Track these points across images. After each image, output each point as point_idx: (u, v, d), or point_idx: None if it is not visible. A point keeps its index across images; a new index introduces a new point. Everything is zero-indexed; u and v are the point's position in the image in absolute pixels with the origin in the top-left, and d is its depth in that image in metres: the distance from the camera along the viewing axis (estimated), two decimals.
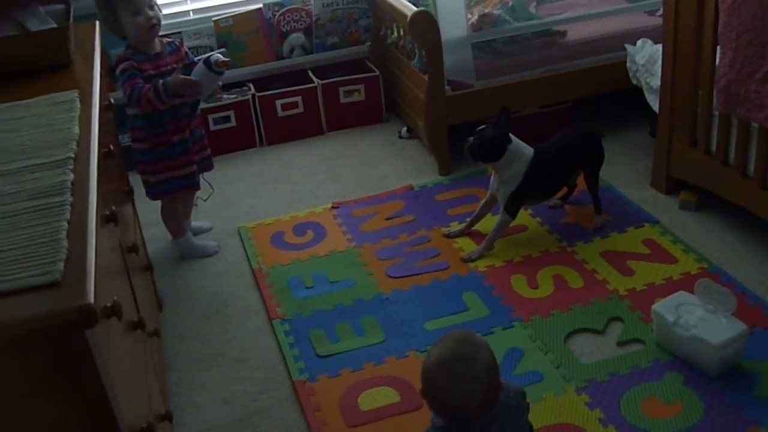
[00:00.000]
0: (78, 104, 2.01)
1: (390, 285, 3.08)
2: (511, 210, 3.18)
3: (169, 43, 3.19)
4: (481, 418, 1.78)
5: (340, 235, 3.42)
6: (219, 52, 3.21)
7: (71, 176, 1.63)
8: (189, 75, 3.08)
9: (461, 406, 1.75)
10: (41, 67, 2.32)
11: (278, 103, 4.22)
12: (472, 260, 3.16)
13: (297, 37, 4.40)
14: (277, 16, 4.34)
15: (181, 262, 3.39)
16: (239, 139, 4.21)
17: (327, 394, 2.60)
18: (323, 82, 4.30)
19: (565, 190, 3.44)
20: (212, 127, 4.09)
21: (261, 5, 4.33)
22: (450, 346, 1.78)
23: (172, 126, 3.15)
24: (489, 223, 3.28)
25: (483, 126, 3.14)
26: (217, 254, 3.41)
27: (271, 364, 2.78)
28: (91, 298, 1.26)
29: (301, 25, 4.40)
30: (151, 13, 3.03)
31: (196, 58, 3.24)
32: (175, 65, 3.12)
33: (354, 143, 4.22)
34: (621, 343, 2.71)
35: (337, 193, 3.75)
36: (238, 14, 4.29)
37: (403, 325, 2.86)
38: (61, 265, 1.32)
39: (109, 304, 1.48)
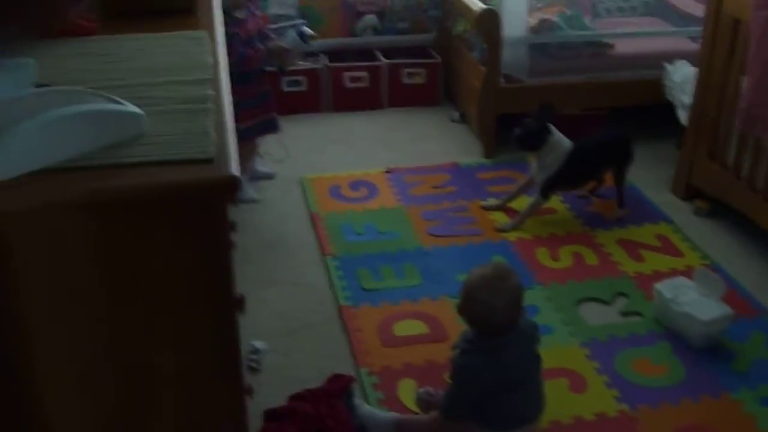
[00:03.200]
0: (208, 41, 2.46)
1: (430, 241, 3.53)
2: (545, 193, 3.61)
3: (248, 9, 3.60)
4: (505, 334, 2.22)
5: (391, 195, 3.87)
6: (305, 26, 3.62)
7: (211, 92, 2.08)
8: (262, 38, 3.55)
9: (493, 317, 2.20)
10: (172, 9, 2.76)
11: (347, 75, 4.67)
12: (506, 231, 3.60)
13: (371, 19, 4.87)
14: None
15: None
16: (308, 102, 4.67)
17: (367, 319, 3.05)
18: (389, 62, 4.75)
19: (594, 183, 3.86)
20: (285, 89, 4.54)
21: None
22: (489, 267, 2.26)
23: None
24: (522, 203, 3.72)
25: (527, 118, 3.56)
26: (273, 199, 3.87)
27: (321, 290, 3.24)
28: (237, 172, 1.71)
29: (376, 8, 4.86)
30: None
31: (281, 25, 3.66)
32: (256, 31, 3.55)
33: (410, 120, 4.67)
34: (624, 314, 3.13)
35: (391, 160, 4.20)
36: None
37: (439, 274, 3.31)
38: (213, 149, 1.77)
39: None
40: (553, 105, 3.60)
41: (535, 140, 3.56)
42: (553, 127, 3.56)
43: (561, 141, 3.57)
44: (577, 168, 3.62)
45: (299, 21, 3.70)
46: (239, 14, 3.52)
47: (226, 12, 3.41)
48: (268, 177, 4.03)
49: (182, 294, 1.83)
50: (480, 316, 2.26)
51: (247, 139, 3.69)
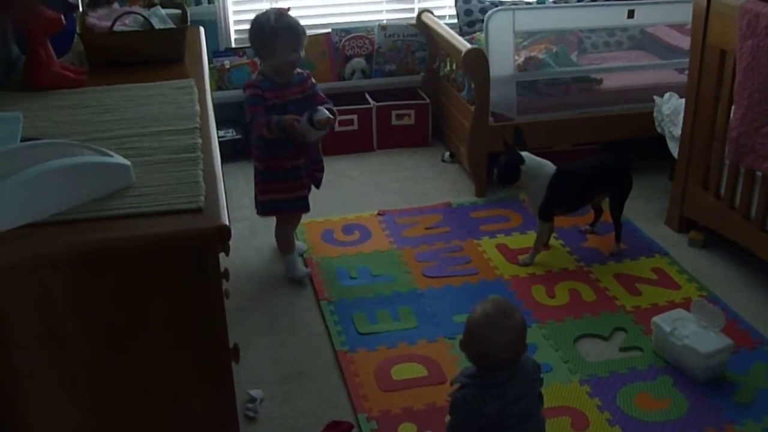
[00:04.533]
0: (196, 90, 2.47)
1: (425, 283, 3.50)
2: (544, 217, 3.60)
3: (298, 74, 3.40)
4: (505, 370, 2.20)
5: (384, 238, 3.86)
6: (327, 108, 3.35)
7: (199, 140, 2.08)
8: (309, 104, 3.36)
9: (495, 354, 2.17)
10: (160, 59, 2.78)
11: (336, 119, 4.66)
12: (527, 264, 3.61)
13: (358, 62, 4.88)
14: (342, 41, 4.82)
15: (247, 244, 3.84)
16: None
17: (364, 364, 3.02)
18: (378, 104, 4.76)
19: (593, 215, 3.86)
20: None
21: (330, 30, 4.81)
22: (492, 304, 2.23)
23: (288, 152, 3.37)
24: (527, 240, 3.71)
25: (501, 155, 3.56)
26: (266, 245, 3.80)
27: (317, 336, 3.20)
28: (227, 221, 1.69)
29: (364, 51, 4.88)
30: (301, 54, 3.33)
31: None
32: (299, 95, 3.38)
33: (400, 162, 4.67)
34: (623, 349, 3.10)
35: (383, 202, 4.19)
36: (309, 36, 4.73)
37: (435, 316, 3.28)
38: (202, 199, 1.76)
39: None
40: (521, 130, 3.60)
41: (509, 175, 3.53)
42: (529, 155, 3.53)
43: (541, 166, 3.54)
44: (565, 191, 3.58)
45: (326, 106, 3.36)
46: (279, 79, 3.34)
47: (264, 74, 3.35)
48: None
49: (175, 345, 1.82)
50: (482, 353, 2.23)
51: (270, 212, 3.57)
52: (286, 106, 3.33)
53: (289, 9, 3.36)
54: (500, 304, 2.26)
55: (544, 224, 3.62)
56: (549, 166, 3.55)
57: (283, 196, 3.47)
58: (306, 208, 3.58)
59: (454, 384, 2.29)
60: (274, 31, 3.24)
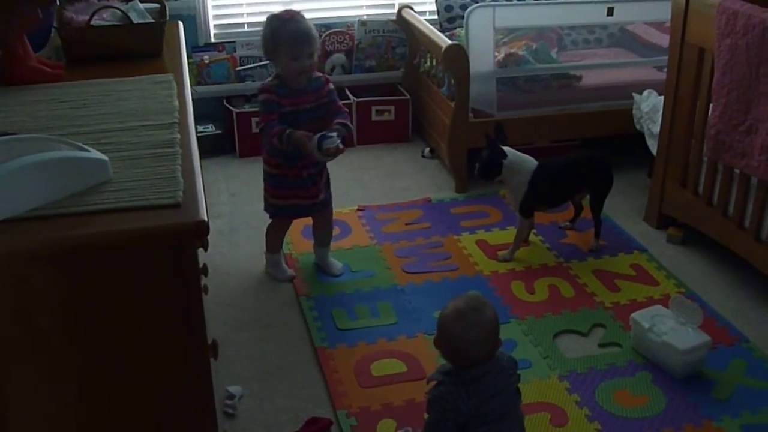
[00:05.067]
0: (174, 85, 2.45)
1: (405, 278, 3.50)
2: (525, 213, 3.61)
3: (315, 79, 3.24)
4: (480, 366, 2.20)
5: (364, 234, 3.85)
6: (342, 122, 3.21)
7: (178, 135, 2.06)
8: (322, 112, 3.24)
9: (468, 350, 2.17)
10: (139, 53, 2.76)
11: None
12: (507, 260, 3.61)
13: (339, 57, 4.87)
14: (323, 37, 4.80)
15: (226, 240, 3.83)
16: None
17: (344, 360, 3.01)
18: (358, 100, 4.75)
19: (572, 212, 3.87)
20: (254, 129, 4.52)
21: None
22: (464, 300, 2.22)
23: (304, 161, 3.25)
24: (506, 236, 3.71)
25: (483, 150, 3.57)
26: (245, 240, 3.79)
27: (297, 332, 3.19)
28: (205, 217, 1.68)
29: (344, 47, 4.87)
30: (307, 62, 3.13)
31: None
32: (313, 103, 3.21)
33: (381, 157, 4.67)
34: (602, 345, 3.12)
35: (363, 198, 4.19)
36: None
37: (414, 312, 3.28)
38: (180, 194, 1.75)
39: None
40: (503, 125, 3.62)
41: (491, 169, 3.54)
42: (511, 150, 3.54)
43: (523, 162, 3.55)
44: (546, 186, 3.58)
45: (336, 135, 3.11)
46: (295, 85, 3.19)
47: (280, 78, 3.21)
48: (333, 271, 3.56)
49: (154, 340, 1.81)
50: (455, 350, 2.23)
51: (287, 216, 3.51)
52: (297, 114, 3.20)
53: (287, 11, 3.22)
54: (472, 300, 2.26)
55: (524, 220, 3.63)
56: (531, 162, 3.56)
57: (303, 201, 3.39)
58: (314, 214, 3.51)
59: (430, 381, 2.29)
60: (276, 39, 3.12)
